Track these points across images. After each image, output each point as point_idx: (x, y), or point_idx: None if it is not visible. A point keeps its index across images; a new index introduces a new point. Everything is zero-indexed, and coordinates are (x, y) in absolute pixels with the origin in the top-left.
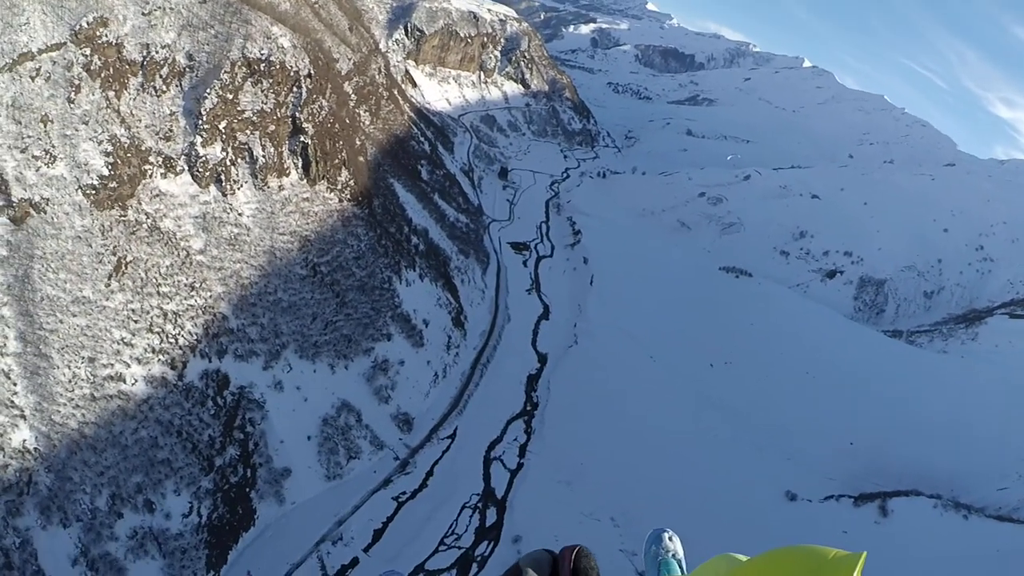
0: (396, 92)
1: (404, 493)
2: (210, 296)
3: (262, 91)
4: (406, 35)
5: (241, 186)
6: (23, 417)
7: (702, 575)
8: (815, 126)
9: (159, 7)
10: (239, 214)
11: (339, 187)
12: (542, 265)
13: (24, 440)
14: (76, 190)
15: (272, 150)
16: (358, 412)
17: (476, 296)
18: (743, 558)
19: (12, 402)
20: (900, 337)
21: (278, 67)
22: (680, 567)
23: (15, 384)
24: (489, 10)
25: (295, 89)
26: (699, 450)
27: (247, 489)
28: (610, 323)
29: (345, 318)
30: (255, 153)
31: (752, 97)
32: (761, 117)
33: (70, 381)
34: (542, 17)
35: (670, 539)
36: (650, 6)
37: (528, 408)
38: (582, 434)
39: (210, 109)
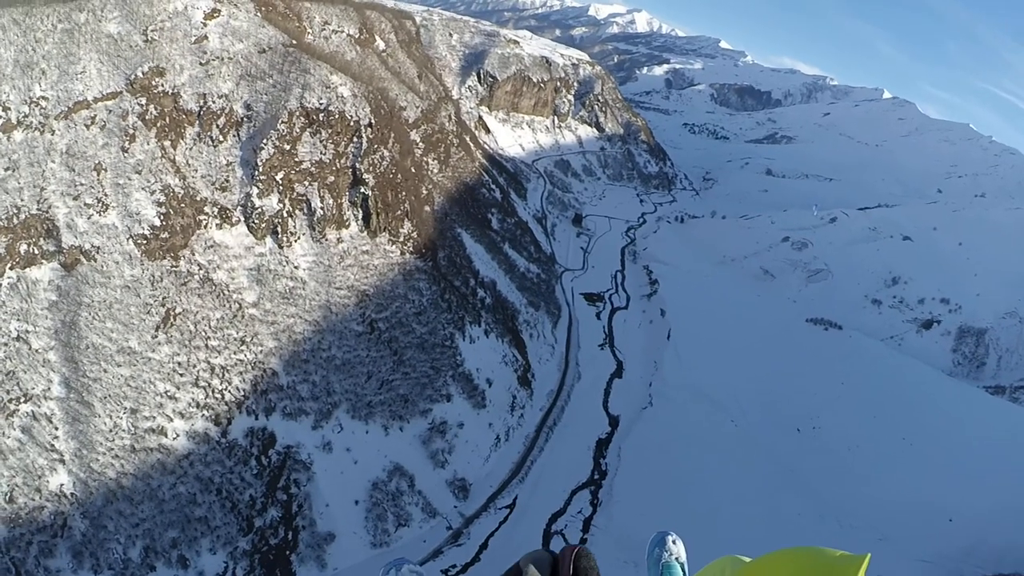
0: (468, 139)
1: (454, 566)
2: (261, 351)
3: (321, 141)
4: (479, 81)
5: (298, 238)
6: (62, 462)
7: (707, 575)
8: (900, 160)
9: (217, 57)
10: (295, 267)
11: (401, 239)
12: (616, 317)
13: (62, 484)
14: (127, 239)
15: (331, 201)
16: (411, 477)
17: (545, 352)
18: (748, 560)
19: (52, 446)
20: (1003, 394)
21: (337, 117)
22: (683, 570)
23: (56, 429)
24: (562, 55)
25: (355, 139)
26: (782, 531)
27: (287, 552)
28: (688, 382)
29: (402, 377)
30: (313, 205)
31: (832, 132)
32: (843, 153)
33: (111, 431)
34: (615, 60)
35: (673, 542)
36: (723, 44)
37: (595, 477)
38: (653, 509)
39: (267, 160)
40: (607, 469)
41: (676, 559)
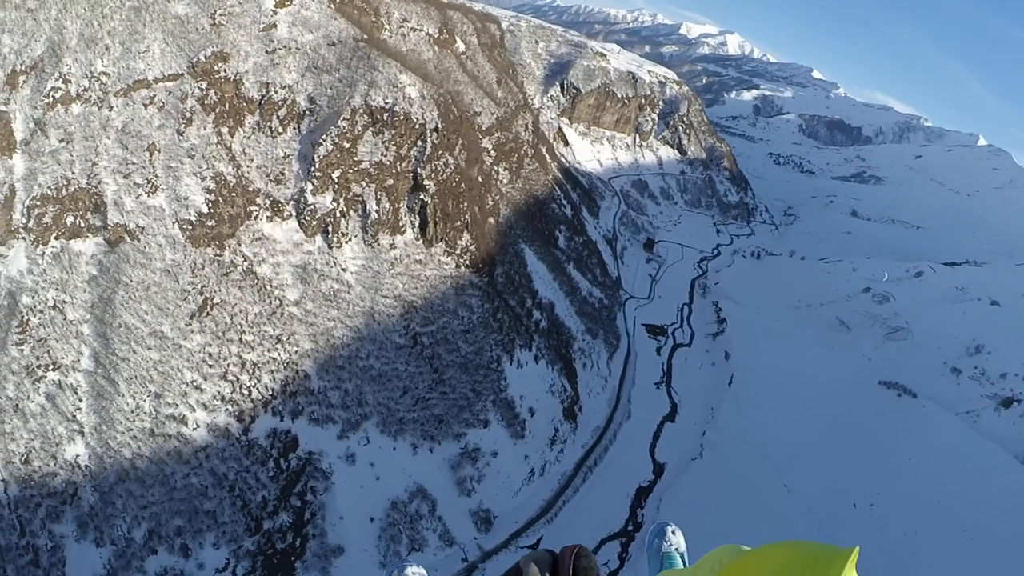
0: (544, 150)
1: None
2: (296, 352)
3: (383, 142)
4: (561, 92)
5: (349, 240)
6: (81, 433)
7: (706, 564)
8: (991, 213)
9: (284, 46)
10: (342, 269)
11: (458, 251)
12: (677, 355)
13: (78, 455)
14: (173, 223)
15: (387, 205)
16: (433, 501)
17: (597, 384)
18: (747, 549)
19: (74, 416)
20: None
21: (402, 118)
22: (682, 560)
23: (80, 400)
24: (649, 72)
25: (419, 142)
26: None
27: (292, 558)
28: (744, 436)
29: (440, 396)
30: (368, 207)
31: (923, 177)
32: (933, 200)
33: (132, 411)
34: (704, 81)
35: (673, 533)
36: (816, 74)
37: (629, 528)
38: None
39: (325, 156)
40: (643, 521)
41: (676, 549)
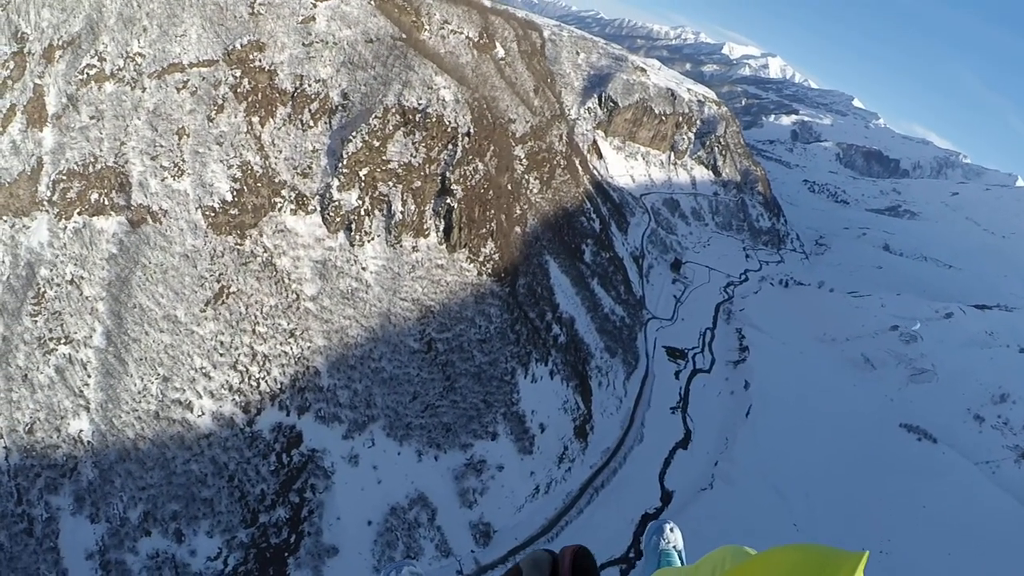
0: (577, 162)
1: None
2: (308, 347)
3: (413, 143)
4: (599, 105)
5: (372, 239)
6: (87, 409)
7: (707, 564)
8: None
9: (321, 40)
10: (362, 268)
11: (481, 259)
12: (696, 381)
13: (81, 430)
14: (196, 208)
15: (413, 207)
16: (433, 510)
17: (611, 404)
18: (752, 552)
19: (81, 392)
20: None
21: (434, 120)
22: (680, 558)
23: (89, 376)
24: (689, 90)
25: (450, 146)
26: None
27: (286, 554)
28: (757, 470)
29: (450, 405)
30: (393, 207)
31: (959, 215)
32: (967, 239)
33: (139, 392)
34: (743, 103)
35: (671, 530)
36: (856, 102)
37: (631, 555)
38: None
39: (353, 153)
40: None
41: (673, 547)
